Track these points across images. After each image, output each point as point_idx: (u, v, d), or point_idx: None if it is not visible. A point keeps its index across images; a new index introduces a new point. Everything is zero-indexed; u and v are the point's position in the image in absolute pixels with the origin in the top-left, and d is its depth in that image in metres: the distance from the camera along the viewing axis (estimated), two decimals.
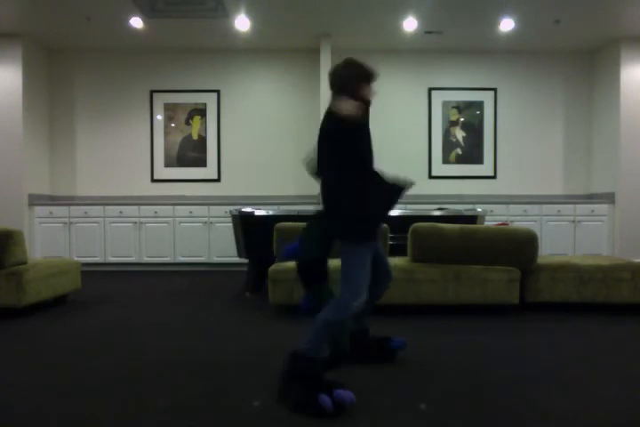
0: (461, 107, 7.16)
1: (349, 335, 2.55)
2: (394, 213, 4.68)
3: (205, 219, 6.48)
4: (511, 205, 6.55)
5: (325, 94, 6.52)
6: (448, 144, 7.16)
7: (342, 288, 2.13)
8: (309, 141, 7.02)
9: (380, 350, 2.60)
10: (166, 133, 7.10)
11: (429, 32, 6.40)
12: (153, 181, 7.10)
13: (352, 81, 2.23)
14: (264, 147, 7.13)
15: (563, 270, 3.81)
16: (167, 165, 7.09)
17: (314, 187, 6.71)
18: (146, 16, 5.82)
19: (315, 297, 2.29)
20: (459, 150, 7.16)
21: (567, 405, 2.04)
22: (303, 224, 4.01)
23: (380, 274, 2.49)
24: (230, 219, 6.17)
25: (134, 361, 2.62)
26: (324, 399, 1.91)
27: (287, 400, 2.00)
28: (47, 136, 6.98)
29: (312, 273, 2.22)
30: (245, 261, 5.87)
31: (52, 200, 6.97)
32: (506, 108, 7.18)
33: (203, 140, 7.11)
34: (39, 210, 6.43)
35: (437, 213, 4.80)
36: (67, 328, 3.37)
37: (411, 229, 3.78)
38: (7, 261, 3.67)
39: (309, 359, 2.05)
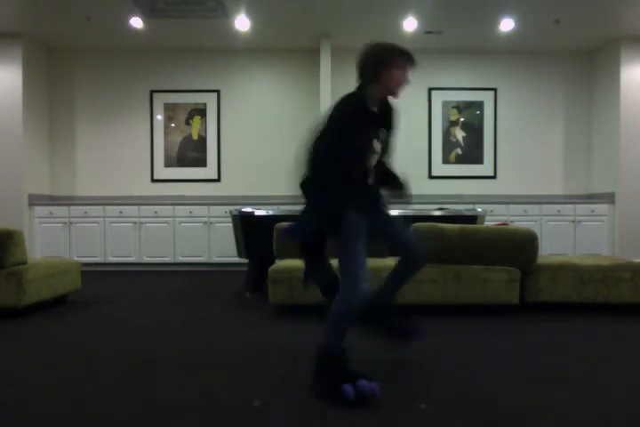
0: (461, 107, 7.16)
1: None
2: (394, 212, 4.68)
3: (205, 219, 6.48)
4: (511, 205, 6.55)
5: (325, 94, 6.53)
6: (448, 144, 7.16)
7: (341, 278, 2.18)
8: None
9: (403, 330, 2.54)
10: (166, 133, 7.10)
11: (429, 32, 6.39)
12: (153, 181, 7.10)
13: (376, 67, 2.26)
14: (264, 147, 7.13)
15: (563, 270, 3.80)
16: (167, 165, 7.09)
17: None
18: (146, 16, 5.83)
19: (311, 269, 2.43)
20: (459, 150, 7.16)
21: (567, 405, 2.04)
22: None
23: (404, 251, 2.44)
24: (230, 219, 6.17)
25: (134, 361, 2.62)
26: (347, 389, 2.01)
27: (316, 389, 2.14)
28: (47, 136, 6.98)
29: (310, 247, 2.35)
30: (245, 261, 5.87)
31: (52, 200, 6.97)
32: (506, 108, 7.18)
33: (203, 141, 7.11)
34: (39, 210, 6.43)
35: (437, 213, 4.80)
36: (67, 328, 3.37)
37: (411, 229, 3.78)
38: (7, 261, 3.67)
39: (330, 356, 2.13)
